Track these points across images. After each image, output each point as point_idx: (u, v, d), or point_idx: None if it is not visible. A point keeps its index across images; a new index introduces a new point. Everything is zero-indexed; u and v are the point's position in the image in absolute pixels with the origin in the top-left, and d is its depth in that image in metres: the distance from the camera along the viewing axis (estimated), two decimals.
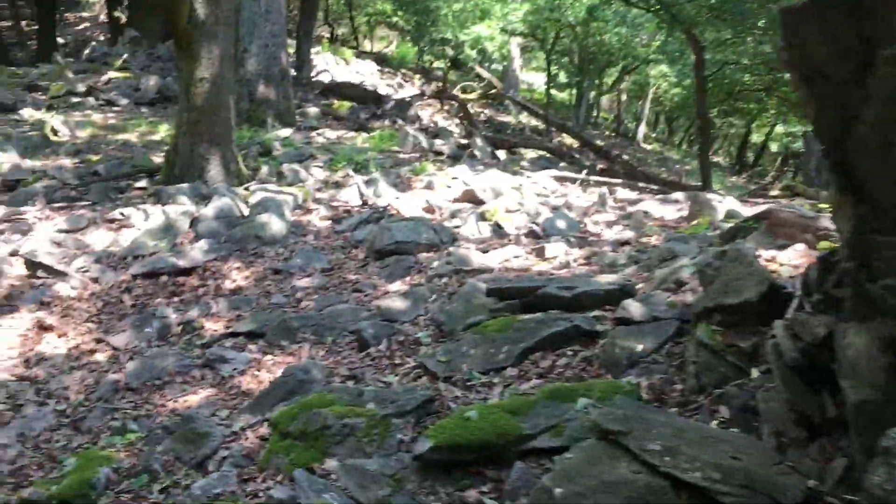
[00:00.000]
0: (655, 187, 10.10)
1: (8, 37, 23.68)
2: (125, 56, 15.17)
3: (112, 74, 13.87)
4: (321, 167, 8.63)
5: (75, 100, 12.37)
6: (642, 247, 5.49)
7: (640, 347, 3.32)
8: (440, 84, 15.85)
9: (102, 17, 30.21)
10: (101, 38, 25.29)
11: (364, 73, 25.63)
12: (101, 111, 12.03)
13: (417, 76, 28.40)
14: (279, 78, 11.21)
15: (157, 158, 8.83)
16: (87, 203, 7.20)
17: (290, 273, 5.84)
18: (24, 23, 24.17)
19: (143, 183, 7.83)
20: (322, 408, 3.11)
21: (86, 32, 28.44)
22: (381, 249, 5.89)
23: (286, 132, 10.40)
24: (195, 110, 7.44)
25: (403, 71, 28.65)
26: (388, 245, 5.85)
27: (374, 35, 36.71)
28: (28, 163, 8.15)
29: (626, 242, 5.82)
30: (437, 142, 10.50)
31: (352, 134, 11.81)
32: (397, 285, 5.28)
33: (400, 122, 14.20)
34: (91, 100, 12.52)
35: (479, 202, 7.17)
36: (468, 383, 3.46)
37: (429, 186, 8.18)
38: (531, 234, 6.25)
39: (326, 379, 3.83)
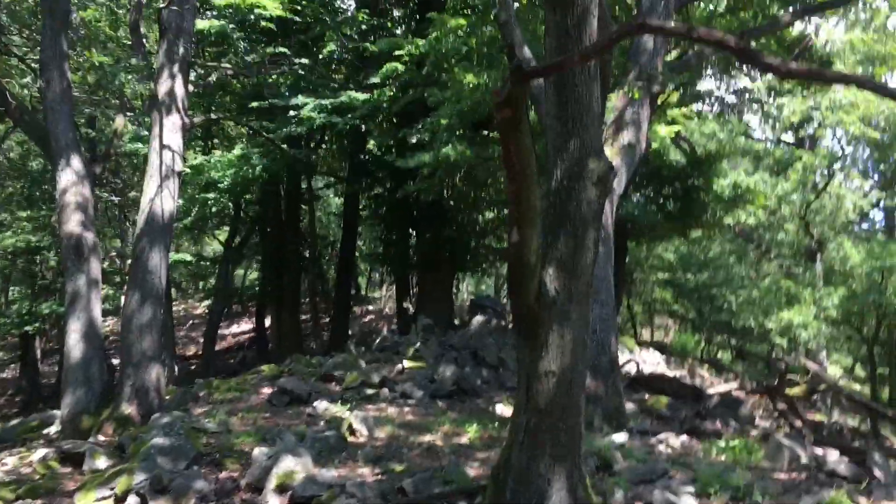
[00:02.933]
0: None
1: (304, 328, 24.81)
2: (417, 345, 14.33)
3: (406, 364, 12.90)
4: (692, 493, 6.28)
5: (369, 392, 11.33)
6: None
7: None
8: (776, 380, 13.15)
9: (387, 310, 31.51)
10: (385, 329, 25.77)
11: (650, 363, 23.53)
12: (396, 405, 10.81)
13: (706, 366, 25.94)
14: (608, 370, 9.39)
15: (472, 471, 7.03)
16: None
17: None
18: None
19: None
20: None
21: (371, 324, 29.50)
22: None
23: (620, 437, 8.29)
24: (537, 413, 5.59)
25: (690, 360, 26.35)
26: None
27: (653, 323, 35.13)
28: (324, 473, 6.65)
29: None
30: (829, 458, 7.79)
31: (684, 439, 9.44)
32: None
33: (734, 423, 11.62)
34: (385, 391, 11.43)
35: None
36: None
37: None
38: None
39: None
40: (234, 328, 31.86)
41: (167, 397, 10.62)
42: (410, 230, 20.49)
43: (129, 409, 9.50)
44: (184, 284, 31.96)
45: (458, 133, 13.58)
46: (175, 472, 7.07)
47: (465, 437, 8.62)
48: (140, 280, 9.83)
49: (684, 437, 9.41)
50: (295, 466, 6.80)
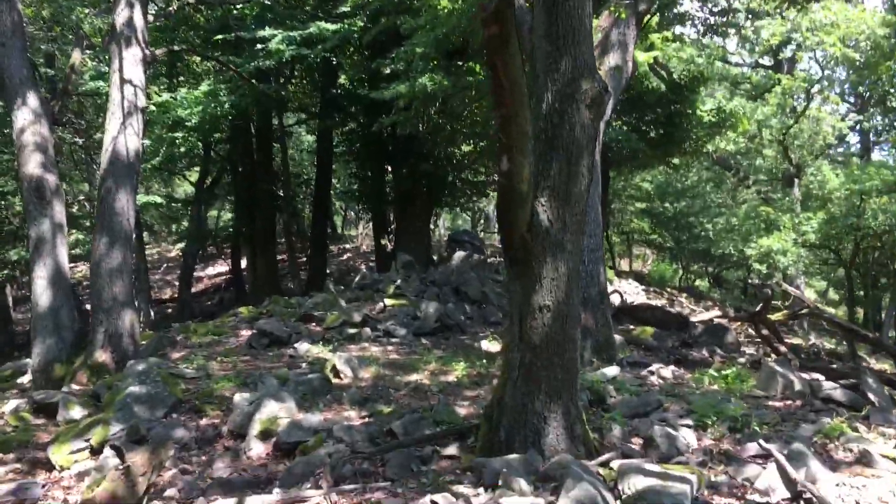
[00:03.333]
0: None
1: (280, 268, 24.44)
2: (398, 282, 14.05)
3: (387, 302, 12.62)
4: (689, 426, 6.10)
5: (351, 331, 11.05)
6: None
7: None
8: (760, 305, 13.03)
9: (364, 248, 31.15)
10: (363, 267, 25.49)
11: (630, 293, 23.50)
12: (380, 344, 10.56)
13: (684, 294, 26.01)
14: (598, 301, 9.16)
15: (461, 410, 6.82)
16: (385, 482, 5.14)
17: None
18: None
19: (452, 449, 5.72)
20: None
21: (349, 262, 29.18)
22: None
23: (612, 370, 8.09)
24: (531, 349, 5.33)
25: (669, 289, 26.40)
26: None
27: (631, 253, 35.18)
28: (309, 418, 6.38)
29: None
30: (825, 384, 7.66)
31: (674, 369, 9.30)
32: None
33: (719, 351, 11.54)
34: (367, 330, 11.16)
35: None
36: None
37: (864, 461, 5.37)
38: None
39: None
40: (210, 270, 31.41)
41: (142, 343, 10.29)
42: (386, 165, 20.02)
43: (102, 356, 9.17)
44: (156, 227, 31.29)
45: (433, 62, 13.06)
46: (153, 421, 6.80)
47: (453, 375, 8.39)
48: (107, 222, 9.38)
49: (674, 367, 9.28)
50: (278, 411, 6.52)
